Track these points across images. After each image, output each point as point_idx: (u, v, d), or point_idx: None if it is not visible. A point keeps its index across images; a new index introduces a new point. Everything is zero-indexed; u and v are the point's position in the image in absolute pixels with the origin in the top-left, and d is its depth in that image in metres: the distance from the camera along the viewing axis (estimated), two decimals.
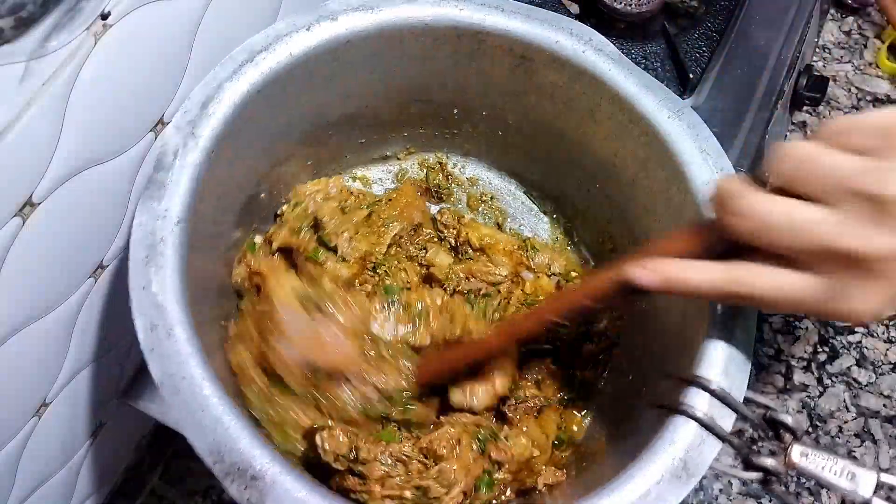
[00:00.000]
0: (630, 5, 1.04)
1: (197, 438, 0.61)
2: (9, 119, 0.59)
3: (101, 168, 0.71)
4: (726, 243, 0.59)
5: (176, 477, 1.07)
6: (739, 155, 0.77)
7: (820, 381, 1.16)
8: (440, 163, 1.00)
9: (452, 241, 0.93)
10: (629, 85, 0.78)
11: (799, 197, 0.55)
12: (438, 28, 0.80)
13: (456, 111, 0.93)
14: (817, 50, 1.40)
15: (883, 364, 1.16)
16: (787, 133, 1.32)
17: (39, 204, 0.65)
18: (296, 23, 0.77)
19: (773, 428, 0.66)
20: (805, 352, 1.17)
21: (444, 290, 0.87)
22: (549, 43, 0.79)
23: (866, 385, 1.15)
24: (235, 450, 0.61)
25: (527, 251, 0.93)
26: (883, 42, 1.39)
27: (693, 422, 0.65)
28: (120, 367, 0.90)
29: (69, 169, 0.67)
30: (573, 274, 0.94)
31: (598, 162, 0.86)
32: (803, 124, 1.34)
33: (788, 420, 0.64)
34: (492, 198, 1.00)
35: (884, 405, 1.14)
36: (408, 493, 0.68)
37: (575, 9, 1.10)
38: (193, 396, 0.62)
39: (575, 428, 0.84)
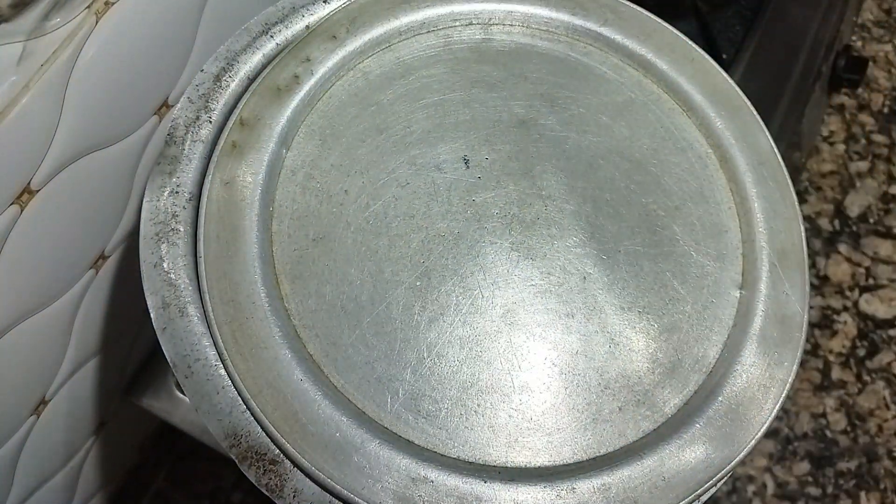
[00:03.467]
0: None
1: (212, 421, 0.61)
2: (5, 102, 0.59)
3: (102, 153, 0.71)
4: None
5: (181, 479, 1.07)
6: (775, 138, 0.77)
7: (859, 377, 1.15)
8: None
9: None
10: None
11: None
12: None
13: None
14: (856, 29, 1.39)
15: None
16: (825, 116, 1.31)
17: (38, 191, 0.65)
18: None
19: None
20: (843, 347, 1.17)
21: None
22: None
23: None
24: (253, 433, 0.61)
25: None
26: None
27: None
28: (122, 364, 0.90)
29: (69, 154, 0.67)
30: None
31: None
32: (841, 107, 1.34)
33: None
34: None
35: None
36: None
37: None
38: (208, 378, 0.62)
39: None
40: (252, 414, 0.60)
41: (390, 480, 0.58)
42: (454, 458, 0.60)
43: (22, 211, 0.64)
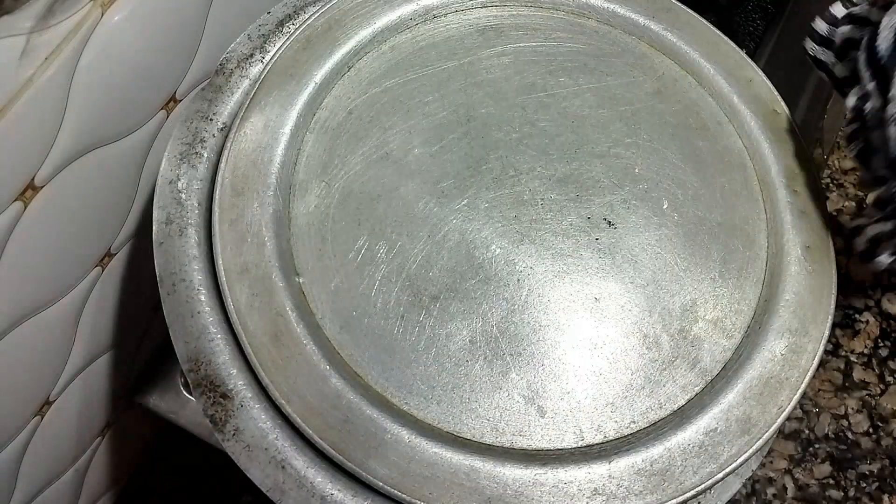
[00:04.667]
0: None
1: (179, 343, 0.64)
2: (9, 97, 0.58)
3: (108, 149, 0.71)
4: None
5: (188, 481, 1.07)
6: None
7: (881, 378, 1.14)
8: None
9: None
10: None
11: None
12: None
13: None
14: None
15: None
16: (847, 113, 1.30)
17: (42, 187, 0.65)
18: None
19: None
20: (865, 347, 1.16)
21: None
22: None
23: None
24: (214, 363, 0.63)
25: None
26: None
27: None
28: (128, 364, 0.90)
29: (74, 150, 0.66)
30: None
31: None
32: None
33: None
34: None
35: None
36: None
37: None
38: (187, 300, 0.65)
39: None
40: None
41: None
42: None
43: (26, 207, 0.64)
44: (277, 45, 0.73)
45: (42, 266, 0.70)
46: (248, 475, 0.60)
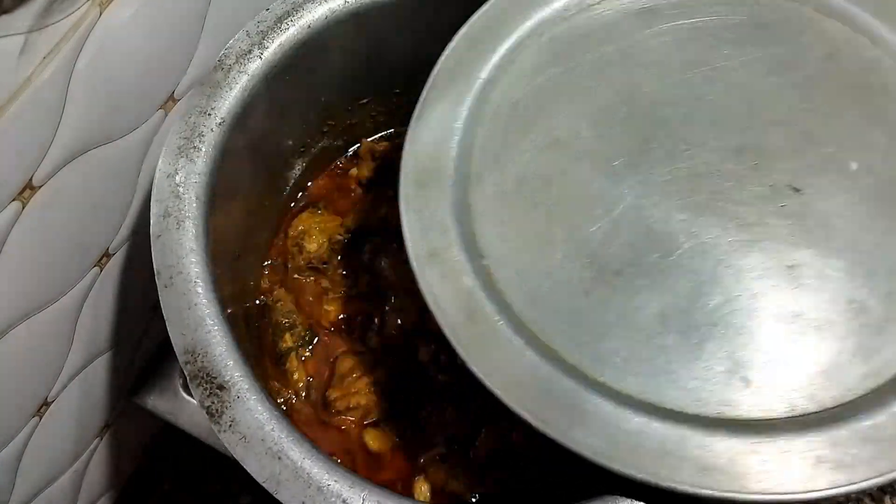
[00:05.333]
0: None
1: (176, 334, 0.64)
2: (7, 96, 0.58)
3: (106, 149, 0.71)
4: None
5: (188, 482, 1.07)
6: None
7: None
8: None
9: None
10: None
11: None
12: None
13: None
14: None
15: None
16: None
17: (40, 187, 0.65)
18: None
19: None
20: None
21: None
22: None
23: None
24: (210, 354, 0.64)
25: None
26: None
27: None
28: (127, 364, 0.90)
29: (72, 149, 0.66)
30: None
31: None
32: None
33: None
34: None
35: None
36: None
37: None
38: (184, 292, 0.66)
39: None
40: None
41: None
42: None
43: (24, 207, 0.64)
44: (275, 43, 0.74)
45: (40, 266, 0.69)
46: (244, 466, 0.60)
